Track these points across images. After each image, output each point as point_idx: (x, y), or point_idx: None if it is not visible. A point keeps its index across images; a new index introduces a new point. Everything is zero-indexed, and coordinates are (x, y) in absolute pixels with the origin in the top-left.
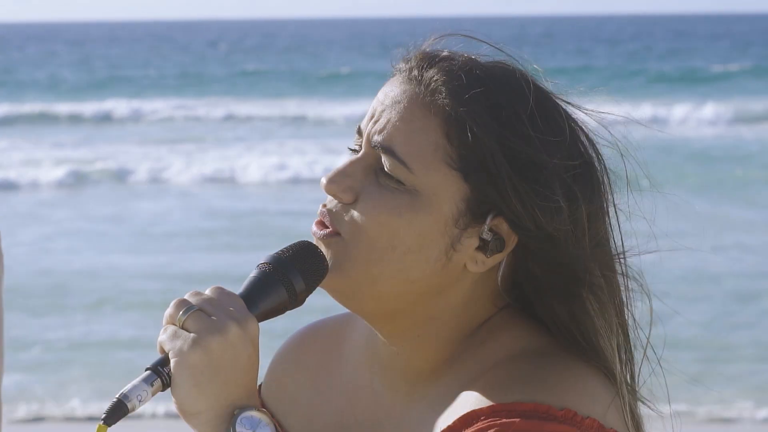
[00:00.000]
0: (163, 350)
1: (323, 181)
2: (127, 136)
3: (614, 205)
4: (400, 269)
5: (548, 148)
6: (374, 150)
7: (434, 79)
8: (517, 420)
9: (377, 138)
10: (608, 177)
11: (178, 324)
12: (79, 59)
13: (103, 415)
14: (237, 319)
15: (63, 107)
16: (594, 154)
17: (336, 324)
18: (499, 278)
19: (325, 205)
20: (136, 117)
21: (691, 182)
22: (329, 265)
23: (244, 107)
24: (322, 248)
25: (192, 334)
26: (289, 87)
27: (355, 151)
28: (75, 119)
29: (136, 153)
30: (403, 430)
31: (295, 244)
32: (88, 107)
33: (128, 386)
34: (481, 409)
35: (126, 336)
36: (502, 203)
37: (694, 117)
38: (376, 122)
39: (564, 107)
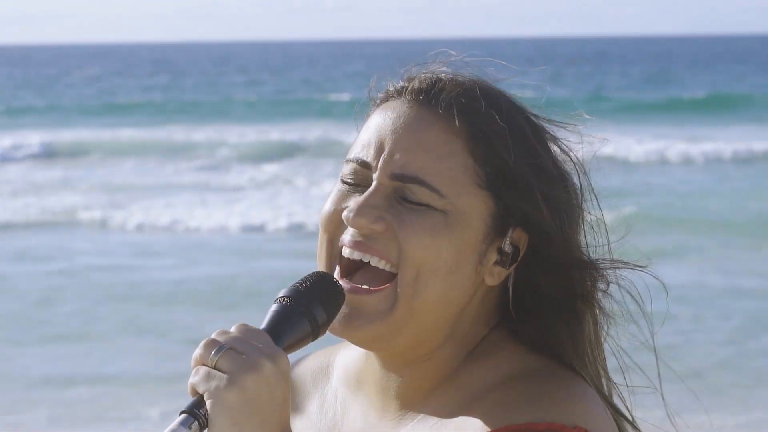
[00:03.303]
0: (195, 392)
1: (348, 215)
2: None
3: (584, 221)
4: (442, 291)
5: (551, 161)
6: (393, 181)
7: (452, 102)
8: None
9: (401, 170)
10: (582, 194)
11: (210, 364)
12: None
13: None
14: (268, 356)
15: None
16: (574, 170)
17: (322, 354)
18: (510, 288)
19: (353, 237)
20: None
21: None
22: (361, 320)
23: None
24: (364, 302)
25: (226, 375)
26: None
27: (349, 183)
28: None
29: None
30: None
31: (311, 276)
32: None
33: (167, 430)
34: (496, 431)
35: None
36: (531, 213)
37: None
38: (392, 154)
39: (544, 126)
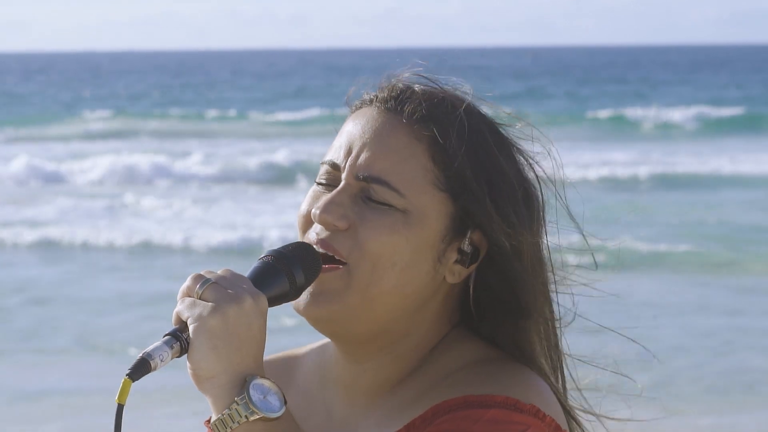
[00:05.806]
0: (179, 320)
1: (315, 212)
2: None
3: (546, 231)
4: (398, 285)
5: (511, 170)
6: (359, 182)
7: (416, 109)
8: (491, 409)
9: (365, 172)
10: (543, 204)
11: (195, 296)
12: None
13: (129, 370)
14: (251, 294)
15: None
16: (536, 182)
17: (284, 355)
18: (471, 288)
19: (318, 235)
20: None
21: None
22: (322, 297)
23: None
24: (321, 279)
25: (210, 303)
26: None
27: (322, 184)
28: None
29: None
30: None
31: (294, 243)
32: None
33: (151, 347)
34: (454, 399)
35: None
36: (483, 217)
37: None
38: (358, 156)
39: (509, 137)
